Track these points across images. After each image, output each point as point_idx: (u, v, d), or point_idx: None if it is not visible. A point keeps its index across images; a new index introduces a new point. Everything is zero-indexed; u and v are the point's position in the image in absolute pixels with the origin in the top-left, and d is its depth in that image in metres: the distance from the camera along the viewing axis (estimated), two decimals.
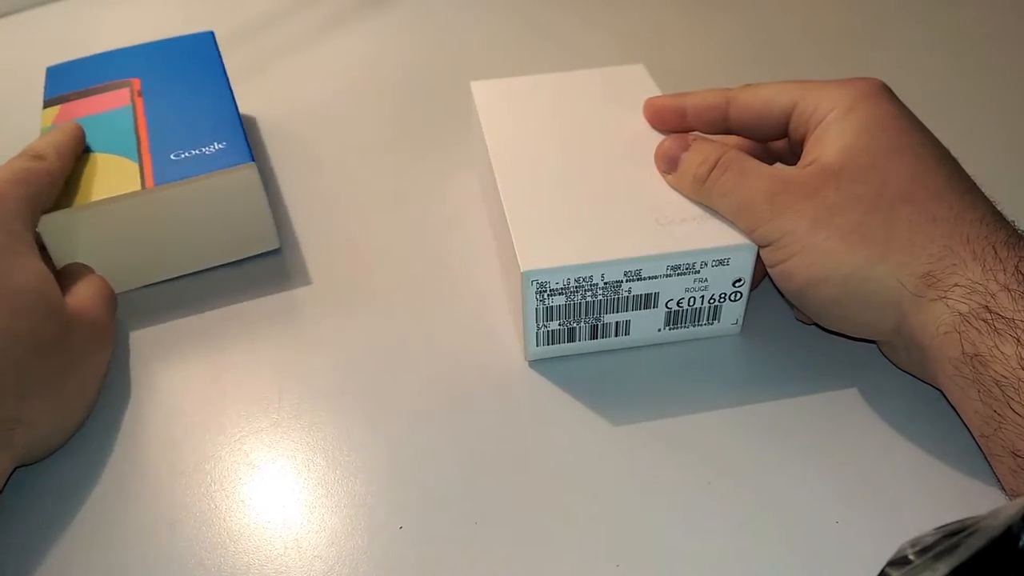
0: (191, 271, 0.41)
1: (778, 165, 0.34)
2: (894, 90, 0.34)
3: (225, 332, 0.38)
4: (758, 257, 0.33)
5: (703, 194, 0.34)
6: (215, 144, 0.40)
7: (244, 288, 0.40)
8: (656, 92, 0.40)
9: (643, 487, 0.30)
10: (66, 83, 0.46)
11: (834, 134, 0.32)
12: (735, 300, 0.34)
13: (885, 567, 0.21)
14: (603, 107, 0.40)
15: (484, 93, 0.42)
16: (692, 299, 0.34)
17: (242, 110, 0.52)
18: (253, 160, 0.39)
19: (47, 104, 0.44)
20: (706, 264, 0.33)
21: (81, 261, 0.38)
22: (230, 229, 0.40)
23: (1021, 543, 0.19)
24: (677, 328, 0.35)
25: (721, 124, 0.37)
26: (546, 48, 0.58)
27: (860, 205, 0.30)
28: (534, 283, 0.32)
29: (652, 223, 0.33)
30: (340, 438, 0.33)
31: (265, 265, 0.41)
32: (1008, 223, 0.30)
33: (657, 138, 0.37)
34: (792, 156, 0.36)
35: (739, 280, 0.34)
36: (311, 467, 0.32)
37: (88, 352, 0.34)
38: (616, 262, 0.32)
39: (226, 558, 0.29)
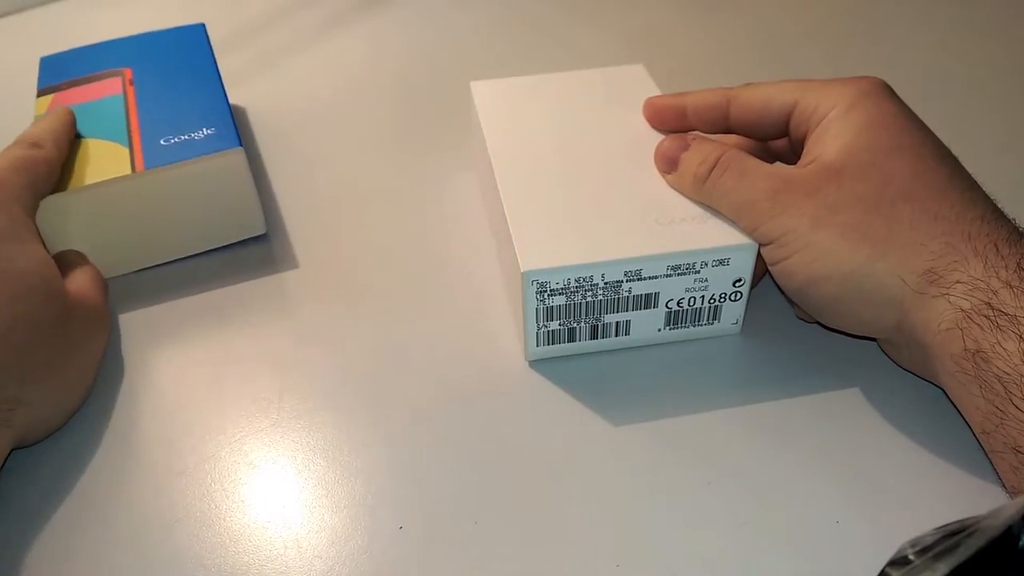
0: (180, 256, 0.41)
1: (778, 164, 0.34)
2: (895, 89, 0.34)
3: (216, 318, 0.38)
4: (758, 256, 0.33)
5: (703, 194, 0.34)
6: (204, 130, 0.40)
7: (232, 274, 0.40)
8: (656, 92, 0.40)
9: (643, 487, 0.30)
10: (59, 72, 0.46)
11: (835, 133, 0.32)
12: (735, 300, 0.34)
13: (885, 567, 0.21)
14: (603, 107, 0.40)
15: (484, 93, 0.42)
16: (692, 299, 0.34)
17: (239, 106, 0.52)
18: (241, 145, 0.39)
19: (41, 93, 0.45)
20: (706, 264, 0.33)
21: (72, 246, 0.39)
22: (218, 213, 0.41)
23: (1021, 543, 0.19)
24: (677, 328, 0.35)
25: (721, 123, 0.37)
26: (546, 48, 0.58)
27: (861, 203, 0.30)
28: (534, 283, 0.32)
29: (652, 223, 0.33)
30: (340, 438, 0.33)
31: (252, 251, 0.42)
32: (1009, 220, 0.30)
33: (657, 138, 0.37)
34: (792, 155, 0.36)
35: (739, 280, 0.34)
36: (311, 467, 0.32)
37: (87, 336, 0.34)
38: (616, 262, 0.32)
39: (226, 558, 0.29)
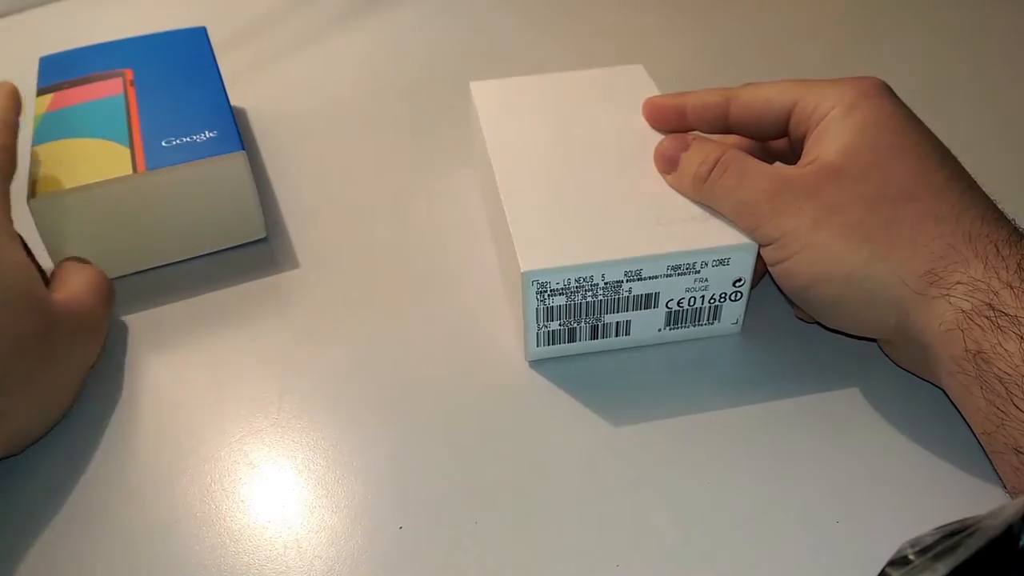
0: (179, 259, 0.41)
1: (778, 164, 0.34)
2: (895, 89, 0.34)
3: (216, 319, 0.38)
4: (758, 256, 0.33)
5: (703, 194, 0.34)
6: (206, 132, 0.40)
7: (231, 276, 0.40)
8: (655, 92, 0.40)
9: (643, 487, 0.30)
10: (59, 72, 0.46)
11: (835, 133, 0.32)
12: (735, 300, 0.34)
13: (885, 567, 0.21)
14: (602, 107, 0.40)
15: (483, 93, 0.42)
16: (692, 299, 0.34)
17: (239, 107, 0.52)
18: (243, 149, 0.39)
19: (40, 92, 0.44)
20: (706, 264, 0.33)
21: (70, 246, 0.38)
22: (218, 217, 0.41)
23: (1021, 543, 0.19)
24: (677, 328, 0.35)
25: (721, 123, 0.37)
26: (546, 48, 0.58)
27: (861, 204, 0.30)
28: (534, 283, 0.32)
29: (652, 223, 0.33)
30: (340, 438, 0.33)
31: (252, 254, 0.42)
32: (1009, 221, 0.30)
33: (657, 138, 0.37)
34: (792, 155, 0.36)
35: (739, 280, 0.34)
36: (311, 467, 0.32)
37: (74, 345, 0.33)
38: (616, 262, 0.32)
39: (226, 558, 0.29)
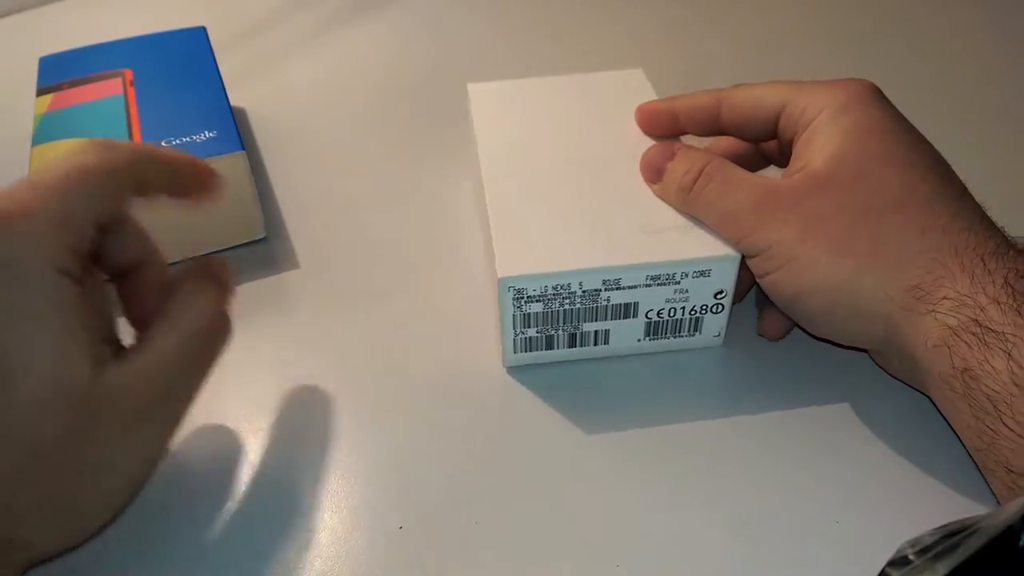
0: (178, 259, 0.40)
1: (765, 173, 0.34)
2: (892, 90, 0.33)
3: None
4: (744, 267, 0.32)
5: (688, 204, 0.33)
6: (205, 132, 0.40)
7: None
8: (653, 97, 0.39)
9: (644, 487, 0.30)
10: (59, 72, 0.46)
11: (823, 139, 0.31)
12: (716, 312, 0.33)
13: (885, 567, 0.21)
14: (599, 112, 0.40)
15: (480, 95, 0.41)
16: (672, 310, 0.33)
17: (239, 107, 0.52)
18: (243, 149, 0.39)
19: (40, 92, 0.44)
20: (687, 275, 0.32)
21: None
22: (217, 217, 0.40)
23: (1021, 543, 0.19)
24: (657, 339, 0.34)
25: (713, 125, 0.36)
26: (545, 50, 0.58)
27: (847, 215, 0.30)
28: (511, 289, 0.31)
29: (637, 231, 0.33)
30: (340, 438, 0.33)
31: (252, 254, 0.41)
32: (998, 231, 0.29)
33: (650, 144, 0.36)
34: (783, 157, 0.35)
35: (721, 292, 0.33)
36: (311, 467, 0.31)
37: (126, 443, 0.26)
38: (594, 270, 0.31)
39: (225, 558, 0.29)
